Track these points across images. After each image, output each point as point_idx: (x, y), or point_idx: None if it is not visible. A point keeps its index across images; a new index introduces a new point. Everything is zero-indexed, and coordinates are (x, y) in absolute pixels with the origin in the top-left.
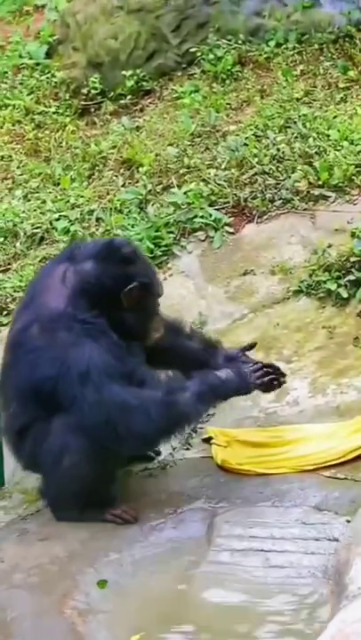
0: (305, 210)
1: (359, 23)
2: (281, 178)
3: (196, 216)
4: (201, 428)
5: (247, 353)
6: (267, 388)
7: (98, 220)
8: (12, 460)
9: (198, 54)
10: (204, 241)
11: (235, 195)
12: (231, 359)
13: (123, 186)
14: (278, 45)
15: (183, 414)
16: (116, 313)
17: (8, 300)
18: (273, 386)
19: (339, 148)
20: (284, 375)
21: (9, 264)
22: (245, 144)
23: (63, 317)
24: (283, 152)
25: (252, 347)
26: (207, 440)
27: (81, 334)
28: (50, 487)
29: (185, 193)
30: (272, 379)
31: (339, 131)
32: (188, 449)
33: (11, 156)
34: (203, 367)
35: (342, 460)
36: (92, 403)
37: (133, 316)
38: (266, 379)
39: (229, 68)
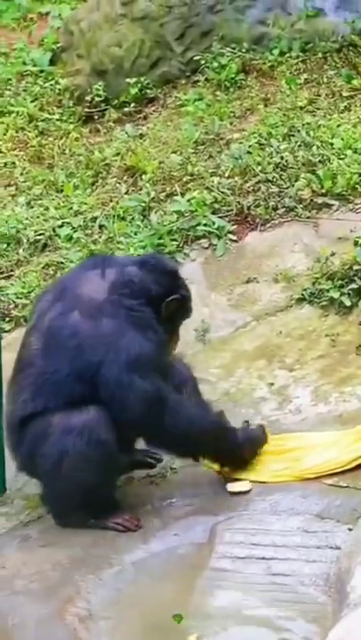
0: (308, 218)
1: None
2: (284, 186)
3: (199, 224)
4: None
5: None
6: None
7: (101, 227)
8: (13, 466)
9: (202, 62)
10: (207, 249)
11: (238, 203)
12: None
13: (126, 193)
14: (282, 54)
15: (202, 435)
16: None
17: (11, 307)
18: None
19: (342, 156)
20: None
21: (12, 270)
22: (249, 152)
23: (107, 304)
24: (286, 160)
25: None
26: None
27: (128, 321)
28: (50, 493)
29: (188, 201)
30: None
31: (342, 139)
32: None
33: (14, 163)
34: None
35: (344, 468)
36: (139, 392)
37: (165, 326)
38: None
39: (233, 76)
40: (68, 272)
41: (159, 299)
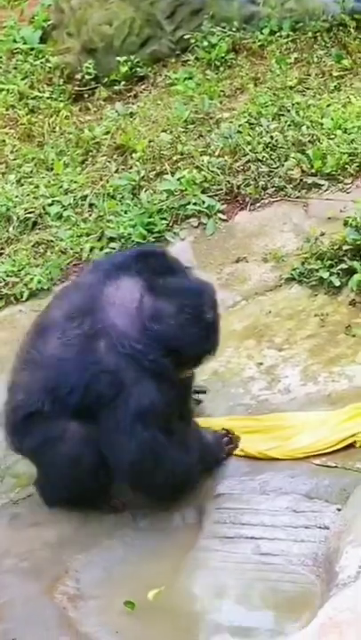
0: (298, 198)
1: (353, 12)
2: (274, 166)
3: (189, 203)
4: None
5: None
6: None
7: (91, 205)
8: (3, 445)
9: (192, 41)
10: (196, 228)
11: (228, 182)
12: None
13: (116, 172)
14: (272, 33)
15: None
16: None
17: (1, 285)
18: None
19: (332, 136)
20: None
21: (2, 249)
22: (239, 131)
23: (135, 351)
24: (276, 140)
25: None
26: None
27: (147, 371)
28: (46, 483)
29: (178, 179)
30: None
31: (332, 119)
32: None
33: (4, 141)
34: None
35: (334, 448)
36: (139, 441)
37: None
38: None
39: (223, 55)
40: (102, 271)
41: (191, 356)
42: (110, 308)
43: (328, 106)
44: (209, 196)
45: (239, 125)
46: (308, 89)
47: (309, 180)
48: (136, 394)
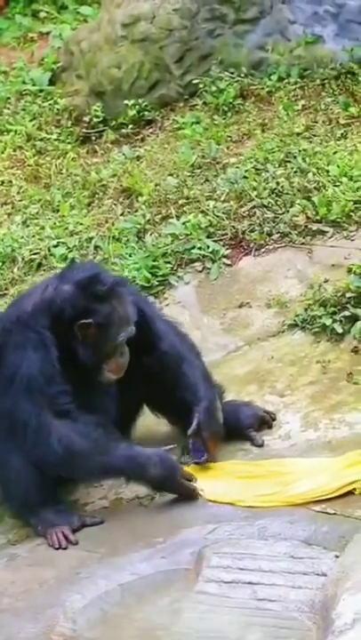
0: (302, 244)
1: None
2: (279, 212)
3: (193, 247)
4: (182, 464)
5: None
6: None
7: (96, 247)
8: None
9: (201, 86)
10: (201, 272)
11: (233, 227)
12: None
13: (122, 214)
14: (280, 79)
15: (76, 469)
16: (72, 341)
17: None
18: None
19: (338, 183)
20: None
21: (6, 289)
22: (245, 177)
23: (19, 322)
24: (282, 186)
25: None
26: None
27: (27, 340)
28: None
29: (183, 224)
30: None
31: (338, 166)
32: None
33: (11, 182)
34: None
35: (333, 495)
36: (8, 410)
37: (87, 350)
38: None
39: (231, 100)
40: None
41: (72, 321)
42: (20, 301)
43: (335, 153)
44: (214, 241)
45: (245, 171)
46: (314, 136)
47: (314, 227)
48: (8, 361)
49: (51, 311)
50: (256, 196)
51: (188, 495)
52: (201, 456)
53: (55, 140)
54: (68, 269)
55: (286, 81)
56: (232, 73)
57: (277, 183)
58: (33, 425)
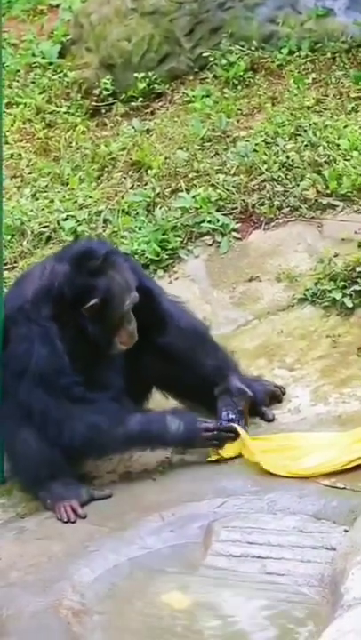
0: (312, 218)
1: None
2: (289, 185)
3: (203, 221)
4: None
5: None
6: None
7: (105, 221)
8: None
9: (211, 59)
10: (210, 246)
11: (243, 201)
12: (235, 391)
13: (131, 188)
14: (291, 53)
15: (103, 446)
16: (79, 320)
17: None
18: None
19: (348, 157)
20: (237, 436)
21: (15, 262)
22: (255, 150)
23: (22, 312)
24: (292, 160)
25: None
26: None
27: (32, 333)
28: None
29: (193, 197)
30: (221, 442)
31: (349, 140)
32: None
33: (20, 155)
34: (208, 385)
35: (342, 469)
36: (23, 400)
37: (96, 327)
38: (214, 442)
39: (241, 73)
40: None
41: (78, 305)
42: (19, 285)
43: (345, 127)
44: (224, 215)
45: (255, 144)
46: (325, 109)
47: (324, 201)
48: (18, 354)
49: (51, 297)
50: (266, 170)
51: (221, 439)
52: (238, 422)
53: (65, 112)
54: (60, 251)
55: (297, 54)
56: (242, 46)
57: (288, 157)
58: (53, 416)
